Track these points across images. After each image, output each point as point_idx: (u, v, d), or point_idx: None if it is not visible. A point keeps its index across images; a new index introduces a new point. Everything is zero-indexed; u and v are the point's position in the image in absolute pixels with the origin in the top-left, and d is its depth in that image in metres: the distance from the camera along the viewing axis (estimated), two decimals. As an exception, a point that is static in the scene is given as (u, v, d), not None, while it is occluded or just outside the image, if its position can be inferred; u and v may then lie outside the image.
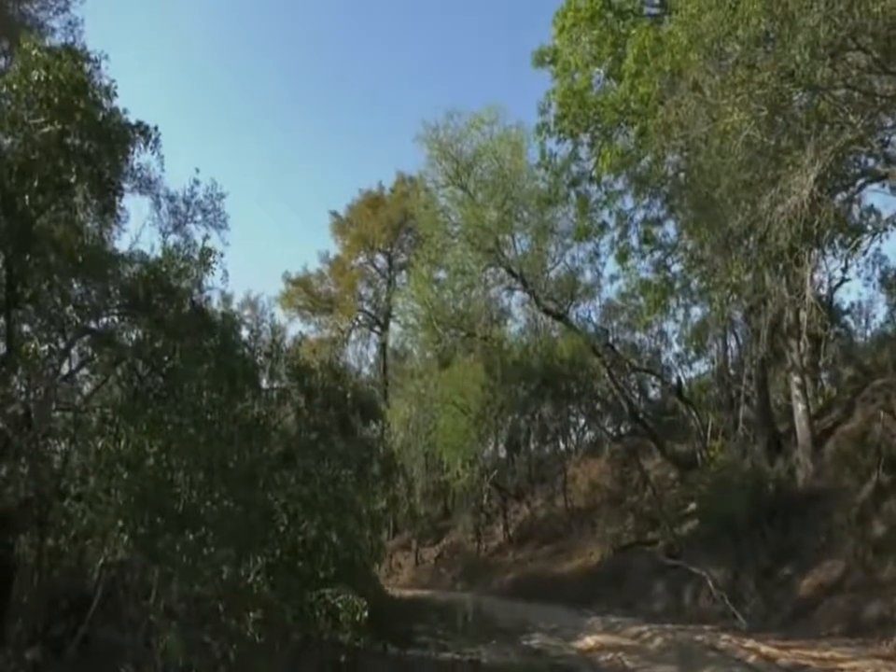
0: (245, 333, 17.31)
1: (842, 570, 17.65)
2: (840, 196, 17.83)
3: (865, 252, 19.36)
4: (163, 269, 12.68)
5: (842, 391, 27.90)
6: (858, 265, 22.80)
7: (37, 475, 10.61)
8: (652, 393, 39.78)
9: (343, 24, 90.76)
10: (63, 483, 10.87)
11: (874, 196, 20.40)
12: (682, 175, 22.28)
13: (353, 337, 50.66)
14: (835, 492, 20.18)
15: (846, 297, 37.32)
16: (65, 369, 13.11)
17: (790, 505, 20.90)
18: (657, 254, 26.27)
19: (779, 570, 19.49)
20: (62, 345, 12.16)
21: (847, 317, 32.59)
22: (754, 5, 13.94)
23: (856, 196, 19.19)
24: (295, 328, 48.08)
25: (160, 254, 13.31)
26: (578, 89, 24.96)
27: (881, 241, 19.82)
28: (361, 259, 50.46)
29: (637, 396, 37.29)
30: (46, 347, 11.50)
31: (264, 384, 17.49)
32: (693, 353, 34.50)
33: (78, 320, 12.14)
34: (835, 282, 25.93)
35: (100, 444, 10.37)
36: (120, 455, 10.22)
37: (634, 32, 22.68)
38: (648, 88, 20.61)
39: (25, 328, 12.29)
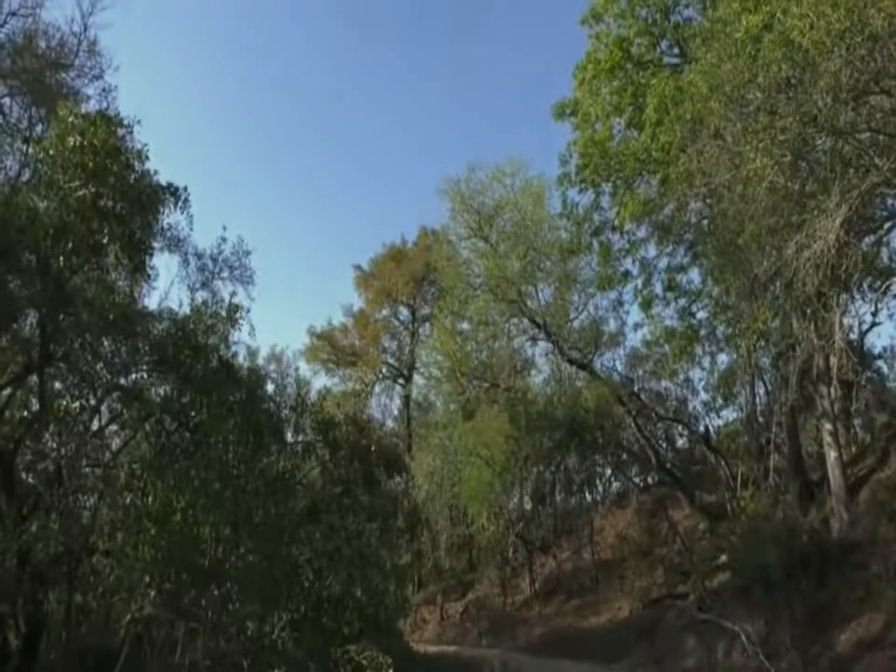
0: (270, 388, 17.55)
1: (881, 624, 17.14)
2: (868, 239, 17.72)
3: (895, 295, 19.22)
4: (191, 325, 12.94)
5: (876, 438, 27.37)
6: (888, 309, 22.56)
7: (68, 531, 10.72)
8: (680, 442, 39.30)
9: (369, 82, 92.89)
10: (91, 538, 10.97)
11: (902, 238, 20.27)
12: (706, 221, 22.31)
13: (377, 389, 50.75)
14: (872, 542, 19.69)
15: (877, 341, 36.98)
16: (95, 425, 13.33)
17: (825, 556, 20.41)
18: (682, 301, 26.18)
19: (816, 624, 18.97)
20: (92, 402, 12.39)
21: (880, 362, 32.08)
22: (774, 52, 14.11)
23: (884, 239, 19.05)
24: (320, 381, 48.32)
25: (188, 311, 13.63)
26: (599, 139, 25.24)
27: (912, 283, 19.65)
28: (385, 312, 50.86)
29: (664, 445, 36.85)
30: (77, 404, 11.71)
31: (289, 437, 17.61)
32: (720, 401, 34.05)
33: (108, 377, 12.37)
34: (865, 326, 25.54)
35: (128, 500, 10.50)
36: (148, 511, 10.32)
37: (654, 82, 22.98)
38: (669, 136, 20.75)
39: (57, 385, 12.55)
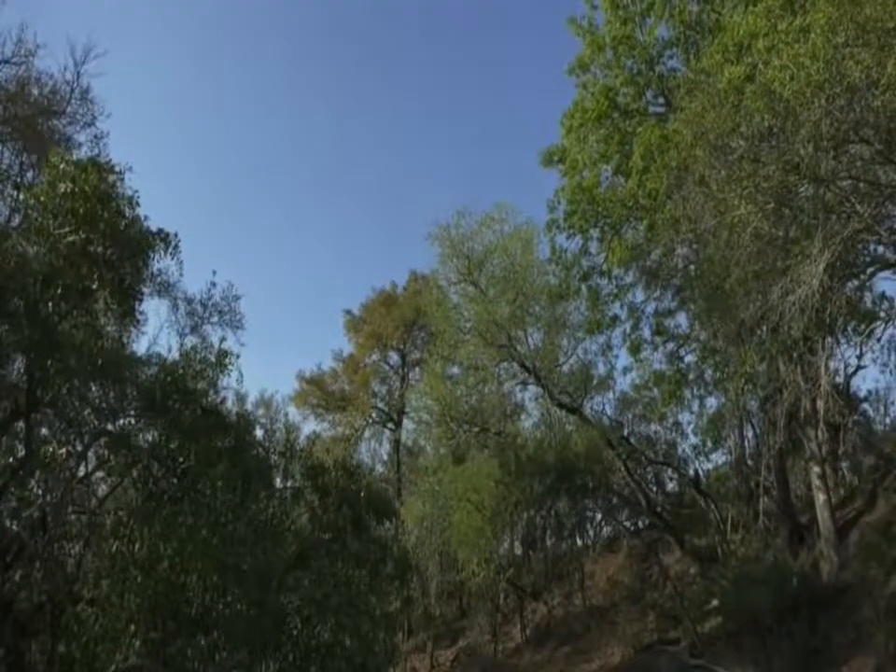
0: (259, 433, 17.44)
1: (873, 668, 17.09)
2: (851, 284, 18.00)
3: (880, 339, 19.42)
4: (180, 371, 12.92)
5: (863, 480, 27.46)
6: (873, 352, 22.73)
7: (52, 579, 10.59)
8: (670, 486, 39.16)
9: (357, 128, 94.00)
10: (76, 586, 10.84)
11: (885, 283, 20.46)
12: (692, 267, 22.63)
13: (366, 434, 50.52)
14: (862, 585, 19.68)
15: (862, 384, 37.05)
16: (82, 471, 13.22)
17: (815, 599, 20.36)
18: (670, 345, 26.45)
19: (808, 669, 18.84)
20: (79, 448, 12.30)
21: (866, 405, 32.26)
22: (756, 102, 14.50)
23: (867, 283, 19.33)
24: (309, 426, 48.14)
25: (177, 356, 13.60)
26: (586, 185, 25.68)
27: (895, 327, 19.88)
28: (375, 357, 50.85)
29: (655, 489, 36.72)
30: (64, 450, 11.64)
31: (278, 483, 17.46)
32: (709, 444, 33.92)
33: (96, 423, 12.32)
34: (851, 369, 25.77)
35: (114, 547, 10.39)
36: (134, 558, 10.23)
37: (640, 130, 23.49)
38: (655, 183, 21.13)
39: (44, 430, 12.49)
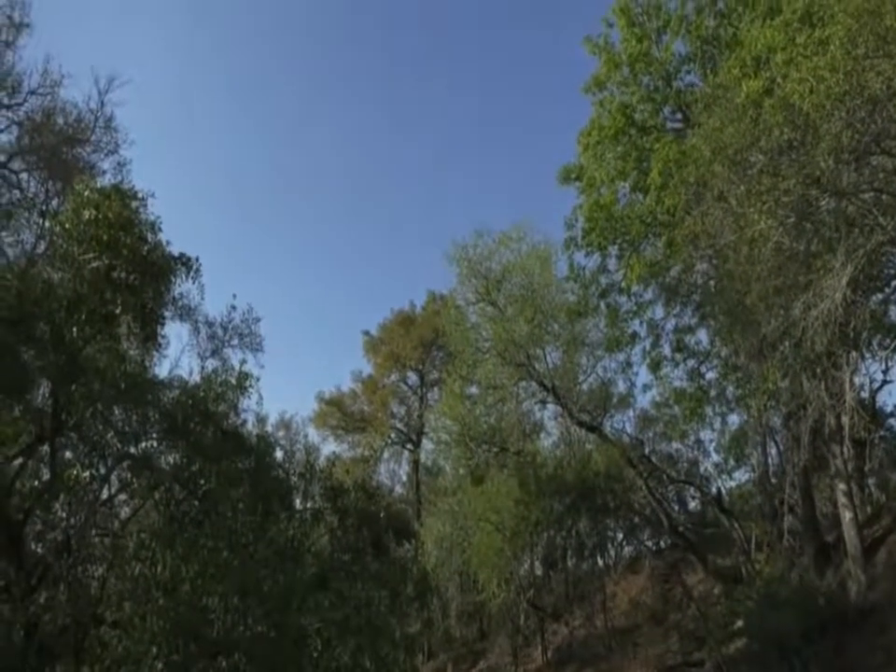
0: (279, 454, 17.48)
1: (904, 690, 16.76)
2: (875, 297, 17.84)
3: (906, 353, 19.21)
4: (201, 394, 13.01)
5: (891, 497, 27.08)
6: (899, 366, 22.50)
7: (76, 602, 10.63)
8: (692, 505, 38.84)
9: (376, 150, 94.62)
10: (99, 609, 10.87)
11: (911, 296, 20.31)
12: (712, 282, 22.43)
13: (385, 455, 50.53)
14: (891, 605, 19.34)
15: (889, 399, 36.67)
16: (105, 494, 13.31)
17: (843, 620, 20.00)
18: (691, 362, 26.20)
19: (836, 691, 18.53)
20: (102, 471, 12.39)
21: (892, 420, 31.80)
22: (775, 115, 14.44)
23: (892, 297, 19.14)
24: (328, 447, 48.22)
25: (198, 379, 13.71)
26: (604, 203, 25.61)
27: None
28: (394, 377, 50.93)
29: (677, 508, 36.42)
30: (87, 473, 11.72)
31: (298, 505, 17.49)
32: (732, 462, 33.59)
33: (119, 446, 12.41)
34: (876, 384, 25.42)
35: (137, 570, 10.41)
36: (157, 581, 10.24)
37: (657, 146, 23.42)
38: (674, 199, 21.02)
39: (68, 454, 12.59)
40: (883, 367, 21.29)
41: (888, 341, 19.27)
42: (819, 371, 17.80)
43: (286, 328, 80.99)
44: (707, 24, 24.27)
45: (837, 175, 14.04)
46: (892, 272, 17.25)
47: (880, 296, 17.93)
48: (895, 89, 12.71)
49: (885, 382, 24.24)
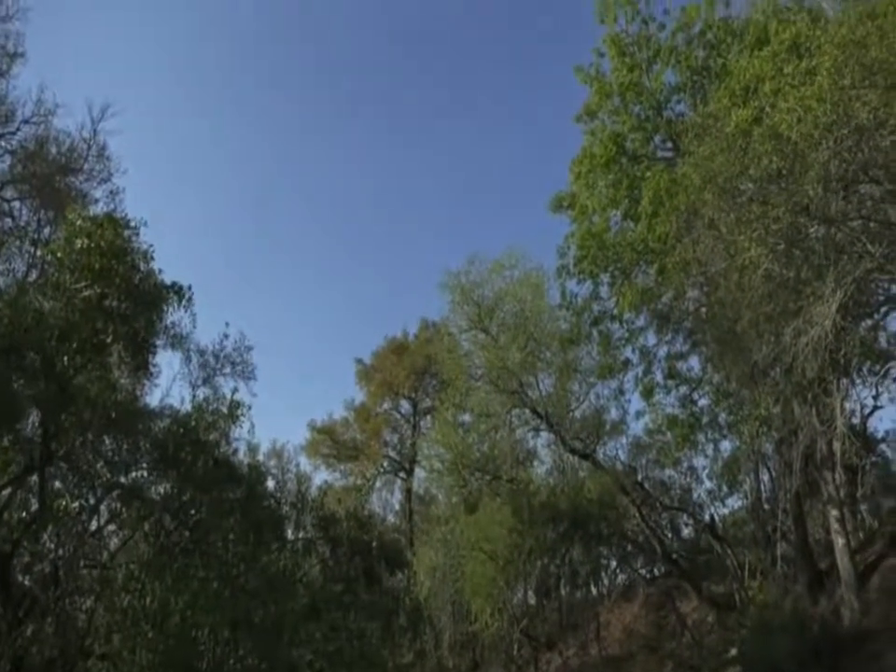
0: (271, 484, 17.43)
1: (900, 719, 16.62)
2: (865, 323, 17.95)
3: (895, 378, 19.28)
4: (193, 423, 12.95)
5: (883, 523, 27.05)
6: (889, 392, 22.56)
7: (63, 634, 10.49)
8: (685, 532, 38.57)
9: (369, 177, 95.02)
10: (87, 641, 10.72)
11: (900, 322, 20.40)
12: (703, 309, 22.53)
13: (378, 483, 50.22)
14: (885, 631, 19.24)
15: (880, 425, 36.65)
16: (94, 525, 13.18)
17: (837, 647, 19.87)
18: (683, 389, 26.22)
19: (833, 721, 18.36)
20: (91, 501, 12.28)
21: (883, 446, 31.84)
22: (764, 144, 14.61)
23: (881, 323, 19.26)
24: (320, 476, 47.87)
25: (189, 408, 13.65)
26: (596, 231, 25.78)
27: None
28: (386, 405, 50.73)
29: (670, 535, 36.18)
30: (76, 504, 11.62)
31: (290, 534, 17.38)
32: (725, 488, 33.57)
33: (109, 475, 12.33)
34: (867, 410, 25.50)
35: (126, 601, 10.30)
36: (146, 612, 10.13)
37: (648, 175, 23.63)
38: (665, 227, 21.15)
39: (57, 484, 12.48)
40: (873, 392, 21.40)
41: (877, 367, 19.36)
42: (810, 397, 17.86)
43: (278, 355, 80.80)
44: (697, 55, 24.64)
45: (826, 202, 14.20)
46: (881, 298, 17.37)
47: (869, 322, 18.05)
48: (881, 118, 12.88)
49: (875, 407, 24.39)
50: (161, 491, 13.20)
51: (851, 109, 13.16)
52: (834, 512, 23.17)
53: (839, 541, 22.70)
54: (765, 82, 16.32)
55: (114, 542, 14.34)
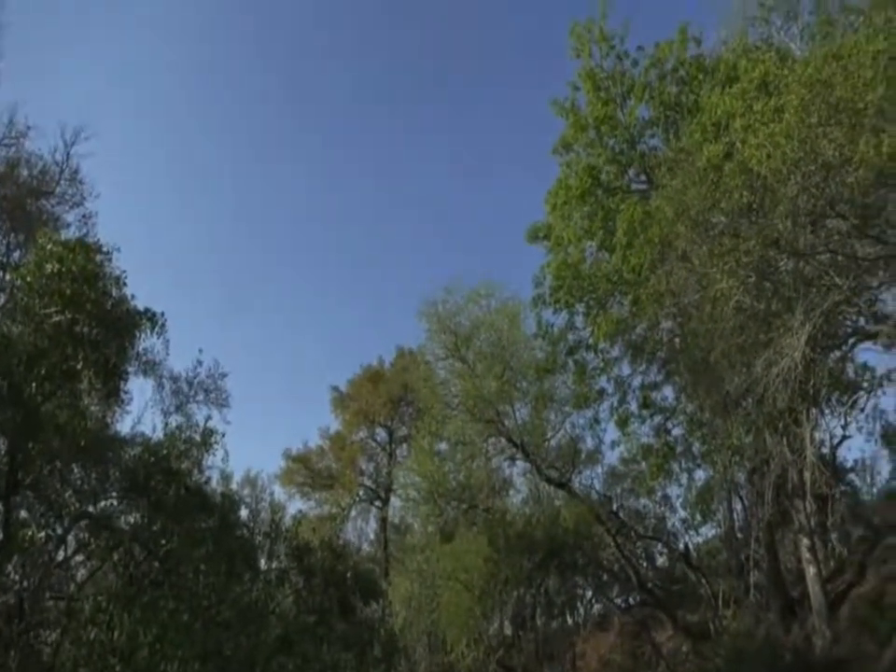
0: (244, 513, 17.23)
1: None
2: (833, 355, 18.21)
3: (863, 409, 19.58)
4: (164, 451, 12.82)
5: (853, 551, 27.25)
6: (857, 422, 22.85)
7: (27, 668, 10.26)
8: (660, 560, 38.63)
9: (344, 203, 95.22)
10: (52, 677, 10.51)
11: (866, 353, 20.68)
12: (677, 340, 22.77)
13: (353, 513, 49.77)
14: (856, 659, 19.36)
15: (848, 454, 37.08)
16: (61, 555, 12.95)
17: (809, 675, 19.99)
18: (657, 418, 26.35)
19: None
20: (59, 531, 12.07)
21: (852, 475, 32.20)
22: (735, 179, 14.91)
23: (849, 354, 19.53)
24: (295, 505, 47.32)
25: (161, 435, 13.52)
26: (572, 261, 25.99)
27: (878, 397, 20.01)
28: (362, 434, 50.40)
29: (645, 564, 36.21)
30: (43, 534, 11.43)
31: (263, 565, 17.16)
32: (698, 517, 33.69)
33: (77, 505, 12.14)
34: (836, 440, 25.83)
35: (92, 634, 10.12)
36: (113, 646, 9.96)
37: (623, 207, 23.89)
38: (639, 259, 21.40)
39: (24, 513, 12.27)
40: (842, 422, 21.69)
41: (845, 397, 19.62)
42: (781, 427, 18.04)
43: (253, 383, 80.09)
44: (670, 90, 25.07)
45: (795, 236, 14.48)
46: (848, 330, 17.65)
47: (837, 354, 18.31)
48: (847, 156, 13.18)
49: (844, 437, 24.77)
50: (131, 520, 13.02)
51: (818, 146, 13.47)
52: (805, 541, 23.36)
53: (810, 570, 22.86)
54: (736, 118, 16.64)
55: (81, 573, 14.09)
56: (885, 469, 33.70)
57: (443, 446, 33.34)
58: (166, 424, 14.26)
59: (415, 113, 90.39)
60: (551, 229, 27.34)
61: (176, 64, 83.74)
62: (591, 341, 26.63)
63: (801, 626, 23.04)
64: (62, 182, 23.95)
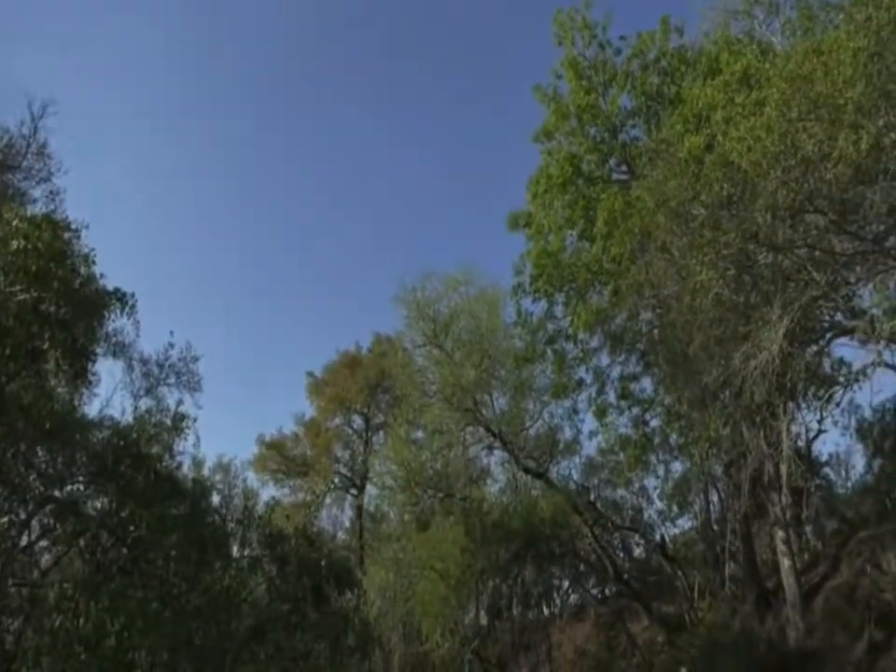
0: (216, 499, 16.98)
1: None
2: (810, 349, 18.22)
3: (839, 403, 19.59)
4: (134, 435, 12.58)
5: (827, 544, 27.48)
6: (833, 416, 22.92)
7: (-13, 658, 10.02)
8: (636, 552, 38.80)
9: (319, 189, 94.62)
10: (14, 665, 10.27)
11: (843, 349, 20.80)
12: (656, 331, 22.74)
13: (328, 500, 49.49)
14: (828, 651, 19.53)
15: (824, 448, 37.29)
16: (24, 541, 12.67)
17: (783, 665, 20.17)
18: (635, 409, 26.34)
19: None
20: (22, 516, 11.80)
21: (827, 469, 32.51)
22: (715, 171, 14.85)
23: (826, 349, 19.57)
24: (268, 492, 46.85)
25: (131, 419, 13.28)
26: (552, 250, 25.87)
27: (854, 391, 20.09)
28: (338, 421, 50.05)
29: (622, 555, 36.35)
30: (6, 519, 11.16)
31: (235, 552, 16.94)
32: (675, 509, 33.86)
33: (42, 489, 11.86)
34: (812, 434, 26.00)
35: (57, 622, 9.89)
36: (79, 634, 9.74)
37: (603, 196, 23.81)
38: (619, 249, 21.34)
39: (-15, 498, 11.98)
40: (818, 416, 21.78)
41: (822, 392, 19.67)
42: (758, 420, 18.06)
43: (226, 367, 79.57)
44: (652, 81, 25.02)
45: (774, 230, 14.44)
46: (825, 325, 17.68)
47: (814, 348, 18.34)
48: (826, 151, 13.14)
49: (820, 431, 24.91)
50: (98, 506, 12.76)
51: (798, 141, 13.44)
52: (781, 534, 23.50)
53: (785, 562, 23.00)
54: (717, 111, 16.57)
55: (46, 559, 13.84)
56: (859, 463, 34.04)
57: (420, 434, 33.25)
58: (136, 407, 14.07)
59: (393, 97, 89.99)
60: (532, 217, 27.19)
61: (150, 39, 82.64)
62: (570, 330, 26.53)
63: (775, 618, 23.21)
64: (28, 156, 23.40)
